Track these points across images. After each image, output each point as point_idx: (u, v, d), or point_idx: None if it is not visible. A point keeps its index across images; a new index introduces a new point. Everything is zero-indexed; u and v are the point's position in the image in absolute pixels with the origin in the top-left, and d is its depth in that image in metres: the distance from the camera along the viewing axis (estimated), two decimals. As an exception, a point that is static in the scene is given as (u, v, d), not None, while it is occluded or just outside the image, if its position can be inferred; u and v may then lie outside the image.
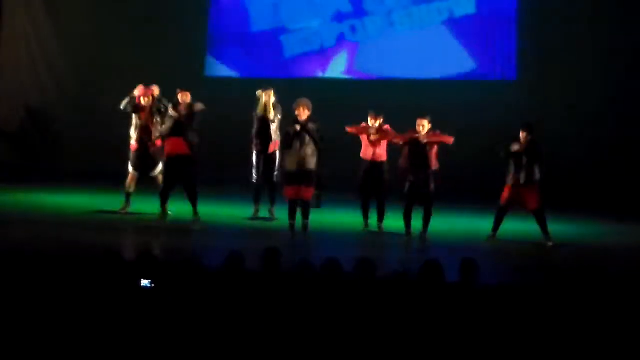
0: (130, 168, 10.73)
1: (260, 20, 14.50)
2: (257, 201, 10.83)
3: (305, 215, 9.75)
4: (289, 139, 9.75)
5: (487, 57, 13.70)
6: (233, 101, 13.53)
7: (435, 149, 9.69)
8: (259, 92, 10.62)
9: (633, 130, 13.12)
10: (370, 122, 10.15)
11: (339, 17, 14.19)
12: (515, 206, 9.82)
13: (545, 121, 13.04)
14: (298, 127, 9.62)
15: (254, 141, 10.71)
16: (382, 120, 10.14)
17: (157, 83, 14.00)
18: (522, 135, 9.81)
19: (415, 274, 6.00)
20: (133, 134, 10.72)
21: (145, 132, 10.65)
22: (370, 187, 10.08)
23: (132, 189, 10.71)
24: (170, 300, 5.60)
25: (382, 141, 10.10)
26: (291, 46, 14.38)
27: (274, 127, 10.63)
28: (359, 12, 14.13)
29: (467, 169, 12.79)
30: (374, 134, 10.05)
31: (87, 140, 14.68)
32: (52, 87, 15.24)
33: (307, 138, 9.63)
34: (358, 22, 14.14)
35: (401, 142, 9.78)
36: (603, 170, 12.96)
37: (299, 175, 9.65)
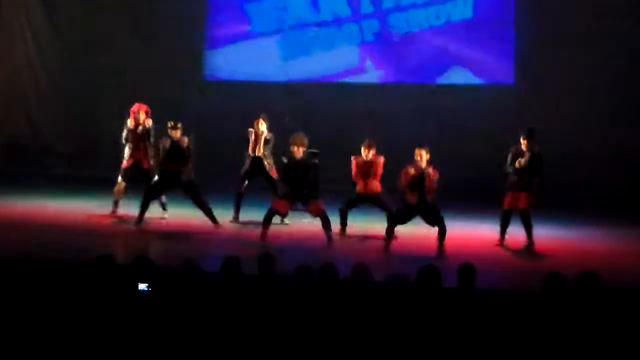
0: (119, 179, 10.85)
1: (260, 22, 14.49)
2: (237, 208, 10.95)
3: (327, 227, 9.74)
4: (286, 175, 9.86)
5: (485, 61, 13.69)
6: (232, 104, 13.54)
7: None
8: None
9: (633, 133, 13.11)
10: (364, 152, 10.18)
11: (341, 20, 14.18)
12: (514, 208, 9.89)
13: (543, 125, 13.04)
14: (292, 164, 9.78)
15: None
16: (374, 150, 10.15)
17: (157, 86, 14.10)
18: (522, 142, 9.86)
19: (413, 280, 5.99)
20: (127, 152, 10.82)
21: (139, 149, 10.75)
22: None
23: (120, 197, 10.88)
24: (166, 305, 5.60)
25: (375, 173, 10.16)
26: (291, 49, 14.37)
27: (267, 164, 10.79)
28: (358, 15, 14.13)
29: (466, 172, 12.78)
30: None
31: (85, 144, 14.66)
32: (50, 90, 15.19)
33: (304, 175, 9.66)
34: (357, 26, 14.14)
35: (407, 184, 9.60)
36: (602, 174, 12.93)
37: (297, 198, 9.74)
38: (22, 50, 15.21)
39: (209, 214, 10.43)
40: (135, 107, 10.85)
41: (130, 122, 10.80)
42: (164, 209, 10.96)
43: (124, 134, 10.81)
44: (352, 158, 10.26)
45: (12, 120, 15.20)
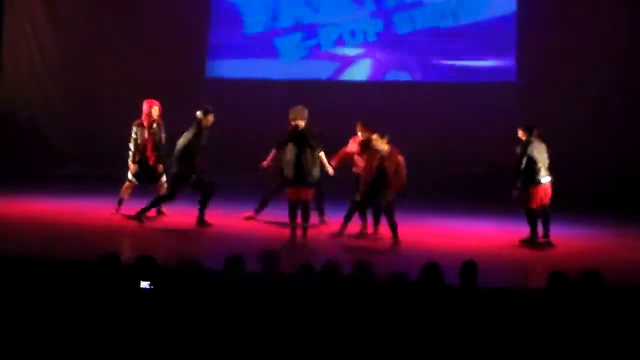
0: (129, 177, 10.72)
1: (261, 21, 14.50)
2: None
3: (305, 219, 9.76)
4: (284, 146, 9.84)
5: (488, 59, 13.67)
6: (234, 102, 13.53)
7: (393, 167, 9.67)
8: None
9: (633, 132, 13.09)
10: (360, 134, 10.10)
11: (343, 19, 14.18)
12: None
13: (546, 123, 13.01)
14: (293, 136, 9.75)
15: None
16: (370, 132, 9.96)
17: (158, 84, 14.07)
18: (519, 134, 9.96)
19: (415, 277, 6.00)
20: (134, 149, 10.68)
21: (151, 146, 10.68)
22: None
23: (126, 196, 10.76)
24: (170, 304, 5.61)
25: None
26: (293, 48, 14.37)
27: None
28: (360, 14, 14.13)
29: (468, 170, 12.79)
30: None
31: (87, 144, 14.65)
32: (52, 90, 15.16)
33: (304, 147, 9.66)
34: (358, 25, 14.13)
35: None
36: (602, 172, 12.91)
37: (297, 177, 9.68)
38: (24, 50, 15.18)
39: (202, 213, 10.33)
40: (147, 103, 10.71)
41: (143, 119, 10.66)
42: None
43: (136, 131, 10.66)
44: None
45: (14, 119, 15.18)
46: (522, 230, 10.06)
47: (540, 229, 9.92)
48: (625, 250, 9.86)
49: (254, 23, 14.50)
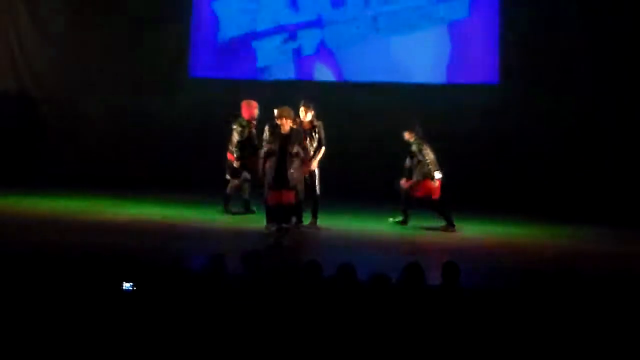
0: (231, 178, 11.09)
1: (244, 21, 14.51)
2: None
3: (286, 220, 9.78)
4: (270, 149, 9.86)
5: (470, 60, 13.71)
6: (217, 102, 13.53)
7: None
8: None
9: (614, 135, 13.15)
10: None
11: (322, 20, 14.20)
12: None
13: (527, 125, 13.09)
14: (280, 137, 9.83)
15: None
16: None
17: (141, 84, 14.07)
18: (405, 136, 10.79)
19: (397, 278, 6.04)
20: (235, 146, 11.00)
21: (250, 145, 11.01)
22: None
23: (246, 194, 11.19)
24: (151, 303, 5.62)
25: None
26: (273, 49, 14.39)
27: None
28: (342, 15, 14.15)
29: (448, 172, 12.81)
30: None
31: (70, 144, 14.61)
32: (35, 89, 15.10)
33: (289, 148, 9.69)
34: (342, 26, 14.15)
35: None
36: (583, 175, 12.98)
37: (279, 181, 9.71)
38: (6, 51, 15.13)
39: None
40: (254, 104, 11.03)
41: (249, 119, 10.98)
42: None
43: (244, 133, 10.95)
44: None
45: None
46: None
47: (405, 212, 10.70)
48: (601, 253, 9.84)
49: (235, 25, 14.50)
